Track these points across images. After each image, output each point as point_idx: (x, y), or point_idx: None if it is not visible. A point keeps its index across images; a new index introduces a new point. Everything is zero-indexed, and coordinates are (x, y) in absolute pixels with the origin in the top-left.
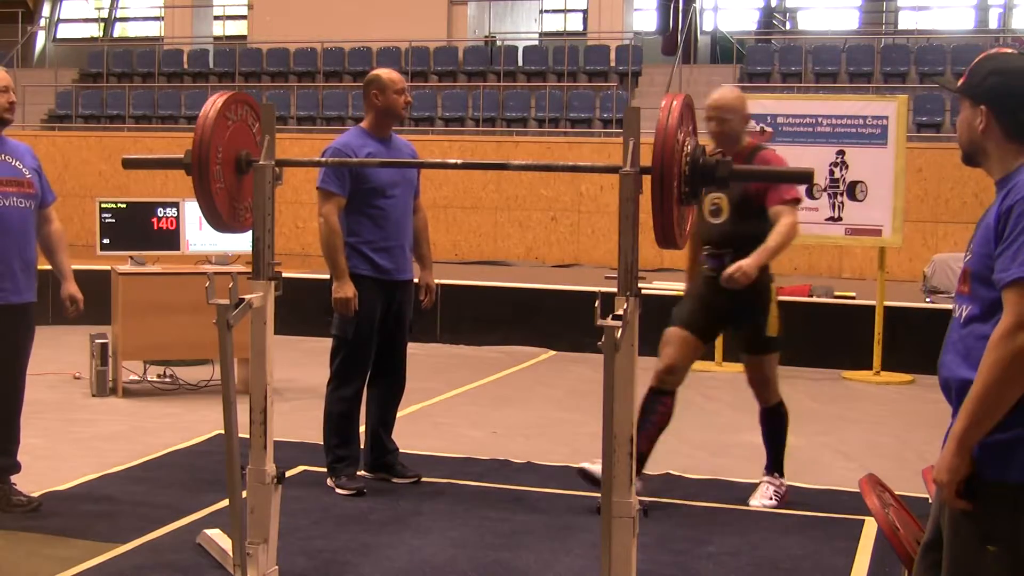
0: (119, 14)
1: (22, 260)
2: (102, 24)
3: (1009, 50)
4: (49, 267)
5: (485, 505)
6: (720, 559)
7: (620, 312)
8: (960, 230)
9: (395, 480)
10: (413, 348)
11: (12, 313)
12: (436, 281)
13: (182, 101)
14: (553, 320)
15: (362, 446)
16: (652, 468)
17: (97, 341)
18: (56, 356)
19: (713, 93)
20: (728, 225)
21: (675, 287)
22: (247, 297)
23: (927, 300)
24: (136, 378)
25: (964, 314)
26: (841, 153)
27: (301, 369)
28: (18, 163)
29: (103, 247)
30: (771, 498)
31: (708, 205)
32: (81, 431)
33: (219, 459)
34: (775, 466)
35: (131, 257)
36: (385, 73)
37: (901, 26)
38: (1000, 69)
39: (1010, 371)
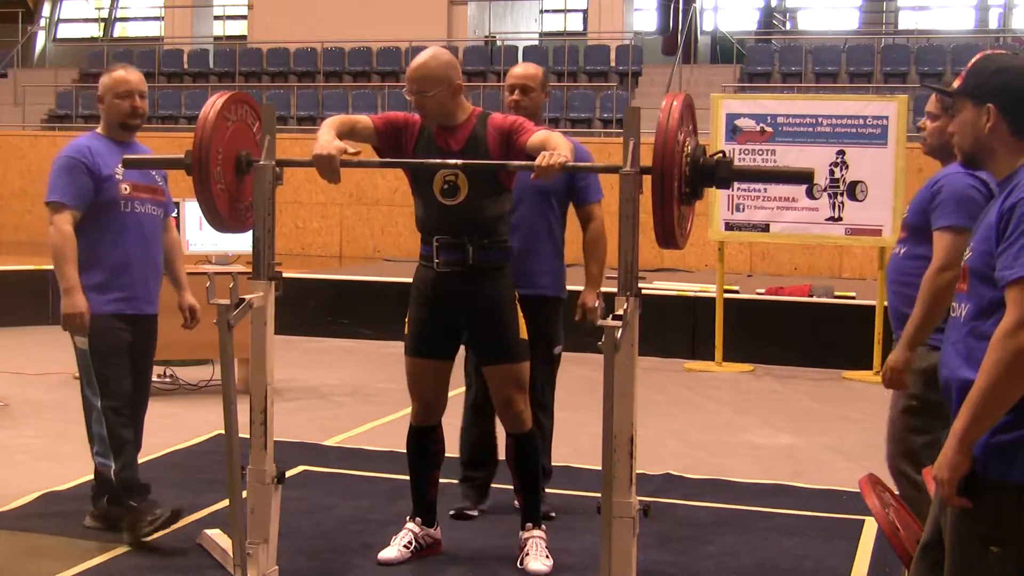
0: (119, 14)
1: (155, 269)
2: (102, 24)
3: (1002, 51)
4: (48, 267)
5: None
6: (720, 559)
7: (620, 312)
8: None
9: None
10: None
11: (146, 323)
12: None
13: (182, 101)
14: None
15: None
16: (652, 468)
17: None
18: (56, 356)
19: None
20: (466, 206)
21: (675, 287)
22: (247, 297)
23: None
24: None
25: (963, 313)
26: (841, 153)
27: (301, 369)
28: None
29: None
30: (548, 556)
31: (440, 183)
32: (81, 431)
33: (219, 459)
34: (537, 514)
35: None
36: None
37: (901, 26)
38: (1005, 67)
39: (1012, 369)
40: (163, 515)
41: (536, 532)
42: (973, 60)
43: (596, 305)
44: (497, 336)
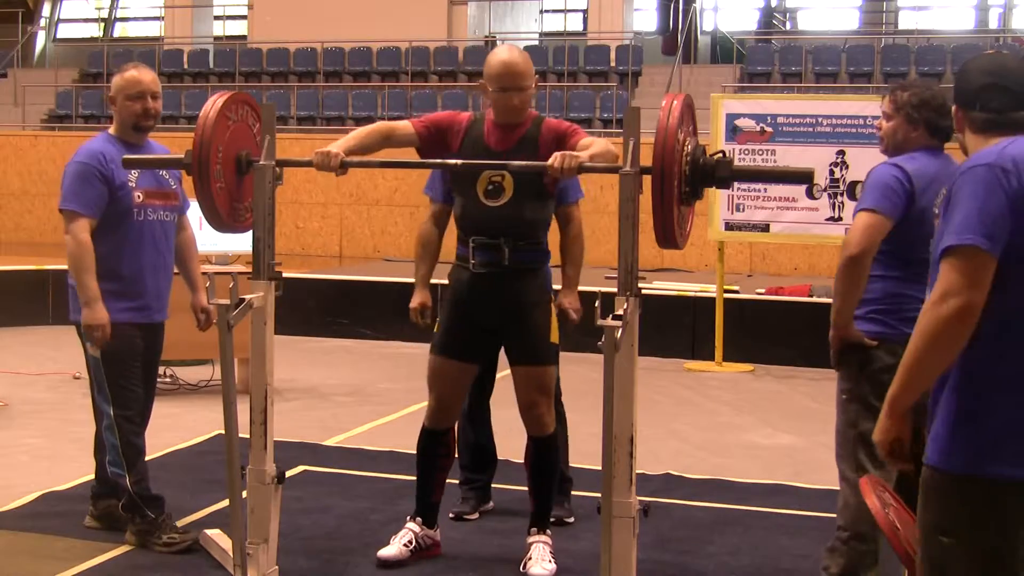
0: (119, 14)
1: (167, 277)
2: (102, 24)
3: (991, 52)
4: (48, 267)
5: None
6: (720, 559)
7: (620, 312)
8: None
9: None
10: (412, 347)
11: (155, 332)
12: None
13: (182, 101)
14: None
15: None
16: (652, 468)
17: None
18: (56, 356)
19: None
20: (508, 208)
21: (675, 287)
22: (247, 297)
23: None
24: None
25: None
26: (841, 153)
27: (301, 369)
28: (163, 172)
29: None
30: (551, 561)
31: (484, 184)
32: (81, 431)
33: (219, 459)
34: (546, 520)
35: None
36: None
37: (901, 26)
38: (964, 67)
39: (934, 338)
40: (182, 543)
41: (542, 537)
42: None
43: (575, 307)
44: (525, 337)
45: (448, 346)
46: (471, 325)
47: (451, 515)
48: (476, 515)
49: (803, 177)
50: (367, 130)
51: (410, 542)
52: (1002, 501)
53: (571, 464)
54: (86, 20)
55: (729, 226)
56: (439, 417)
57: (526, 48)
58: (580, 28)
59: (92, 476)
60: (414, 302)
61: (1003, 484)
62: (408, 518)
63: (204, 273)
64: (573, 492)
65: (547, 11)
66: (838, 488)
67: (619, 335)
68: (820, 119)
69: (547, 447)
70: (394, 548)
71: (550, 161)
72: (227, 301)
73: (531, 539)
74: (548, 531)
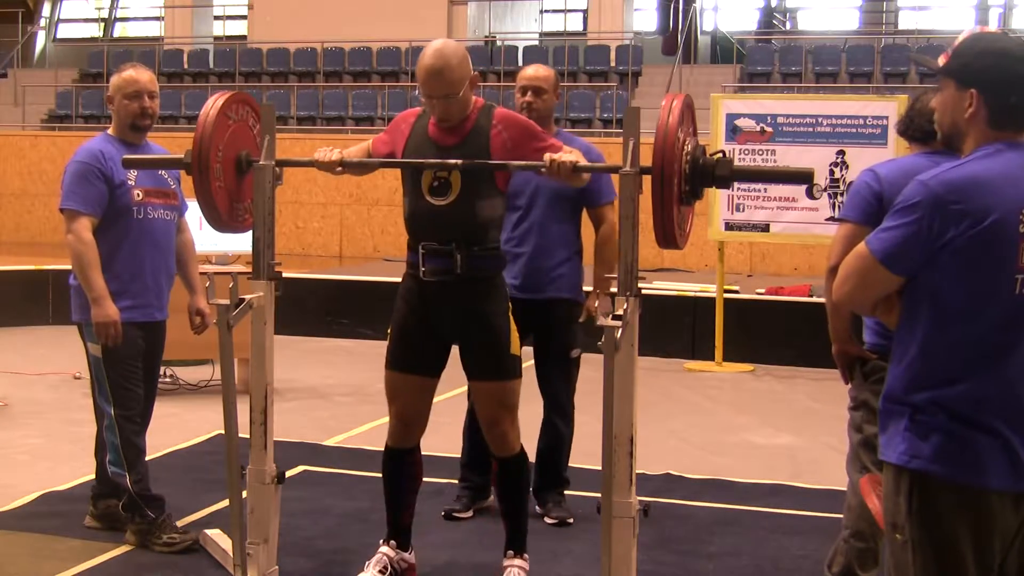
0: (119, 14)
1: (168, 275)
2: (102, 24)
3: (992, 29)
4: (48, 267)
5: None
6: (720, 559)
7: (620, 312)
8: None
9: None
10: None
11: (156, 330)
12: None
13: (182, 101)
14: None
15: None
16: (652, 468)
17: None
18: (56, 356)
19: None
20: (457, 207)
21: (675, 287)
22: (247, 297)
23: None
24: None
25: None
26: (841, 153)
27: (301, 369)
28: (163, 172)
29: None
30: None
31: (429, 180)
32: (81, 431)
33: (219, 459)
34: (521, 542)
35: None
36: None
37: (901, 26)
38: (990, 50)
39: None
40: (182, 543)
41: (517, 561)
42: (961, 38)
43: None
44: (485, 351)
45: (402, 360)
46: (425, 337)
47: (442, 513)
48: (469, 514)
49: (803, 177)
50: (358, 148)
51: (385, 568)
52: (933, 495)
53: (572, 464)
54: (86, 20)
55: (729, 226)
56: (402, 435)
57: (526, 48)
58: (580, 28)
59: (92, 476)
60: None
61: (929, 478)
62: (381, 541)
63: (204, 273)
64: (574, 492)
65: (547, 11)
66: (838, 488)
67: (619, 335)
68: (820, 119)
69: (514, 468)
70: (369, 574)
71: (546, 159)
72: (227, 301)
73: (506, 562)
74: (525, 554)
